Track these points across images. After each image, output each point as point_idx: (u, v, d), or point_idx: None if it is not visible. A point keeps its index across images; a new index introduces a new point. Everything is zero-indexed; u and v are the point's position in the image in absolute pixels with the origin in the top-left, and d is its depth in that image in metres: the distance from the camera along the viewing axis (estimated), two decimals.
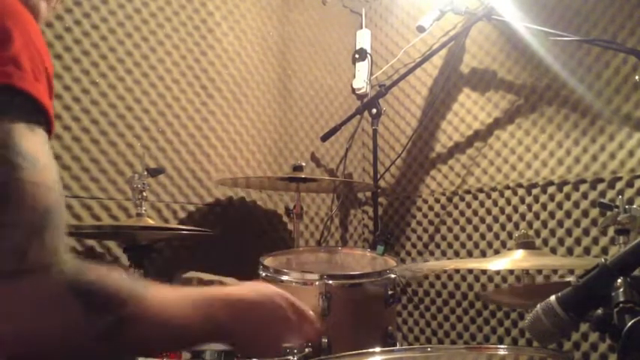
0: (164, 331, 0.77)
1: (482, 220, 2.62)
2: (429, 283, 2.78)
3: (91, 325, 0.69)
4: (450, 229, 2.74)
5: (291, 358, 1.63)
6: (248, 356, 1.00)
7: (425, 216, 2.84)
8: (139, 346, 0.77)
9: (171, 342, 0.81)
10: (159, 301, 0.76)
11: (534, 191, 2.46)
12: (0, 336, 0.66)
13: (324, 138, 2.82)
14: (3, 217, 0.66)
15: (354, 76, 3.16)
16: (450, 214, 2.74)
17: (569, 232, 2.36)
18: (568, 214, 2.36)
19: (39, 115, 0.74)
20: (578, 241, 2.33)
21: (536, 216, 2.44)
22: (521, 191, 2.50)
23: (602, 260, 0.94)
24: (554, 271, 2.28)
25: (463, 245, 2.68)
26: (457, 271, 2.67)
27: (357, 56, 3.16)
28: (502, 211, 2.55)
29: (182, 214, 2.42)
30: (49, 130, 0.77)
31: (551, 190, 2.42)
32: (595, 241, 2.28)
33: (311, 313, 1.02)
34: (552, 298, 0.96)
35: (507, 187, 2.55)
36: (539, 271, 2.32)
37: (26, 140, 0.70)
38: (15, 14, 0.76)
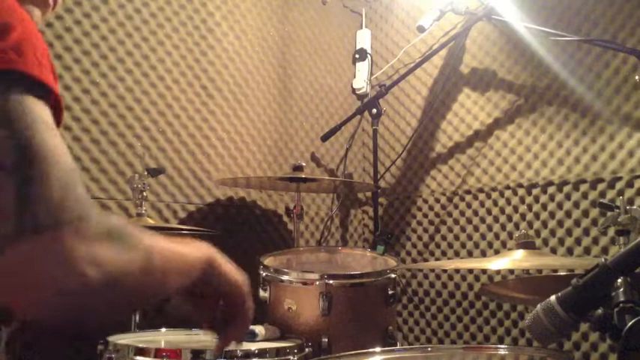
0: (175, 260, 0.84)
1: (483, 220, 2.62)
2: (429, 283, 2.78)
3: (132, 260, 0.74)
4: (450, 229, 2.74)
5: (291, 358, 1.64)
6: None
7: (425, 216, 2.85)
8: (164, 278, 0.82)
9: (179, 275, 0.86)
10: (161, 238, 0.83)
11: (534, 191, 2.46)
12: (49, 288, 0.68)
13: (324, 138, 2.82)
14: (32, 170, 0.69)
15: (354, 76, 3.16)
16: (450, 214, 2.74)
17: (569, 232, 2.36)
18: (568, 214, 2.36)
19: (46, 96, 0.76)
20: (578, 241, 2.33)
21: (537, 216, 2.44)
22: (521, 191, 2.50)
23: (603, 260, 0.94)
24: (554, 271, 2.28)
25: (463, 245, 2.68)
26: (457, 271, 2.67)
27: (357, 56, 3.17)
28: (502, 211, 2.56)
29: (182, 214, 2.42)
30: (58, 112, 0.79)
31: (551, 190, 2.42)
32: (595, 241, 2.28)
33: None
34: (552, 298, 0.96)
35: (507, 187, 2.55)
36: (540, 271, 2.32)
37: (39, 110, 0.73)
38: (15, 11, 0.78)
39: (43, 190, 0.69)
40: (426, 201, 2.85)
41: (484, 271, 2.59)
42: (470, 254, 2.65)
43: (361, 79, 3.13)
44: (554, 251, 2.37)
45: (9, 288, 0.68)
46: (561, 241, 2.37)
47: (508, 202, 2.54)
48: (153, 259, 0.77)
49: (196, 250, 0.90)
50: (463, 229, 2.68)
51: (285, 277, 1.89)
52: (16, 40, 0.74)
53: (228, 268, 0.95)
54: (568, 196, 2.37)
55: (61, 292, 0.68)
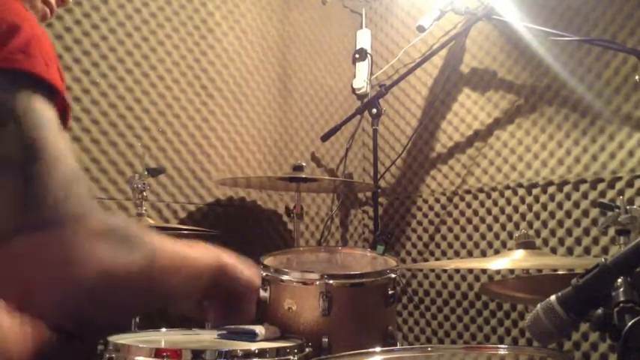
0: (182, 264, 0.83)
1: (483, 220, 2.62)
2: (429, 283, 2.78)
3: (131, 260, 0.74)
4: (450, 229, 2.74)
5: (291, 358, 1.63)
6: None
7: (425, 216, 2.85)
8: (168, 280, 0.82)
9: (185, 279, 0.86)
10: (169, 241, 0.82)
11: (534, 191, 2.46)
12: (47, 288, 0.69)
13: (324, 138, 2.82)
14: (37, 168, 0.70)
15: (354, 76, 3.16)
16: (450, 214, 2.74)
17: (569, 232, 2.36)
18: (568, 214, 2.36)
19: (52, 97, 0.77)
20: (578, 241, 2.33)
21: (537, 216, 2.44)
22: (521, 191, 2.50)
23: (603, 260, 0.94)
24: (554, 271, 2.28)
25: (463, 245, 2.68)
26: (457, 271, 2.67)
27: (357, 56, 3.16)
28: (502, 211, 2.56)
29: (182, 214, 2.42)
30: (65, 112, 0.80)
31: (551, 190, 2.42)
32: (595, 241, 2.29)
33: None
34: (552, 297, 0.96)
35: (507, 187, 2.55)
36: (540, 271, 2.32)
37: (45, 110, 0.75)
38: (21, 12, 0.80)
39: (47, 188, 0.70)
40: (426, 201, 2.85)
41: (484, 271, 2.59)
42: (470, 254, 2.65)
43: (361, 79, 3.13)
44: (554, 251, 2.37)
45: (11, 281, 0.69)
46: (561, 241, 2.37)
47: (508, 202, 2.54)
48: (156, 261, 0.77)
49: (206, 255, 0.90)
50: (463, 229, 2.68)
51: (285, 277, 1.89)
52: (23, 41, 0.75)
53: (239, 271, 0.94)
54: (568, 196, 2.37)
55: (61, 288, 0.69)
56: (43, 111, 0.74)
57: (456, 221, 2.71)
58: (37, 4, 0.96)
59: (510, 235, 2.49)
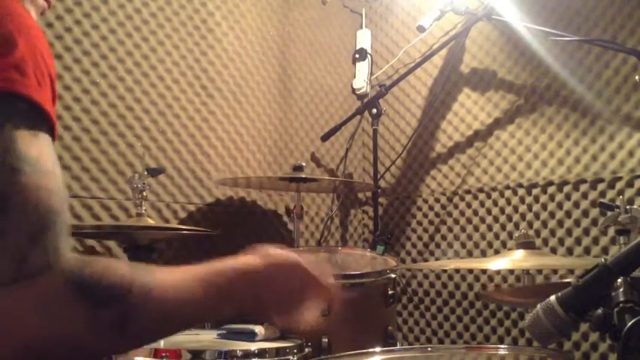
0: (173, 315, 0.78)
1: (483, 220, 2.62)
2: (429, 283, 2.78)
3: (97, 319, 0.69)
4: (450, 229, 2.74)
5: (291, 358, 1.63)
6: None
7: (425, 216, 2.84)
8: (149, 332, 0.77)
9: (181, 323, 0.82)
10: (165, 285, 0.77)
11: (534, 191, 2.46)
12: (9, 342, 0.67)
13: (324, 138, 2.82)
14: (4, 222, 0.67)
15: (354, 76, 3.16)
16: (450, 214, 2.74)
17: (569, 232, 2.36)
18: (568, 214, 2.36)
19: (42, 121, 0.74)
20: (578, 241, 2.33)
21: (537, 216, 2.44)
22: (521, 191, 2.50)
23: (603, 260, 0.94)
24: (554, 271, 2.28)
25: (463, 245, 2.68)
26: (457, 271, 2.67)
27: (357, 56, 3.16)
28: (502, 211, 2.56)
29: (182, 214, 2.42)
30: (52, 135, 0.77)
31: (551, 190, 2.42)
32: (595, 241, 2.28)
33: (328, 278, 1.00)
34: (552, 298, 0.96)
35: (507, 187, 2.55)
36: (540, 271, 2.32)
37: (28, 145, 0.70)
38: (18, 18, 0.76)
39: (9, 242, 0.67)
40: (426, 201, 2.85)
41: (484, 271, 2.59)
42: (470, 254, 2.65)
43: (361, 79, 3.13)
44: (554, 251, 2.37)
45: None
46: (561, 241, 2.37)
47: (508, 202, 2.54)
48: (137, 315, 0.72)
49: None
50: (463, 229, 2.68)
51: None
52: (19, 57, 0.71)
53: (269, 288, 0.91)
54: (568, 196, 2.37)
55: (18, 344, 0.67)
56: (27, 148, 0.70)
57: (456, 221, 2.71)
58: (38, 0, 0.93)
59: (510, 235, 2.49)
